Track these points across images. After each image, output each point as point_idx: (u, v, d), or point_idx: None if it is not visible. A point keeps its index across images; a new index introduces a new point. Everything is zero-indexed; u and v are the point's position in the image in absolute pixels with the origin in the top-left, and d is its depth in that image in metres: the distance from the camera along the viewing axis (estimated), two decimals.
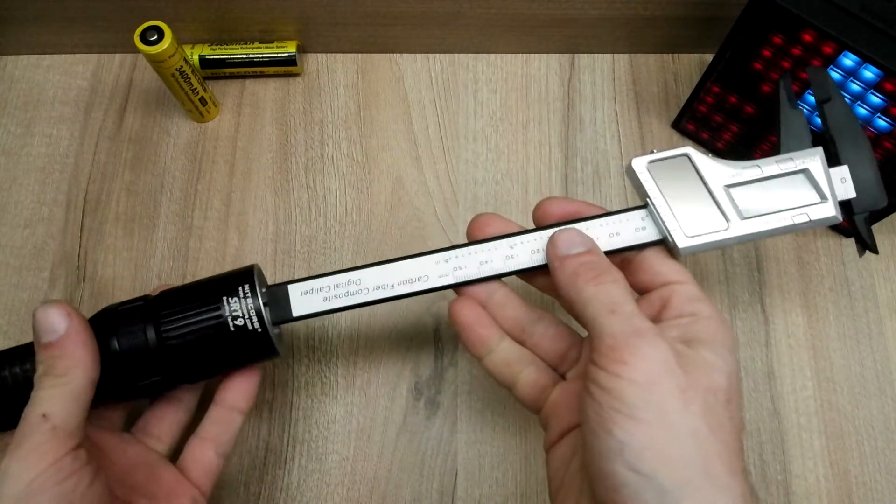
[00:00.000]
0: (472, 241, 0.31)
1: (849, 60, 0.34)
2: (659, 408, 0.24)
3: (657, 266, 0.30)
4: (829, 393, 0.41)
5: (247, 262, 0.43)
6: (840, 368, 0.41)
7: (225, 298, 0.30)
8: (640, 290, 0.30)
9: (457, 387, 0.41)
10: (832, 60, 0.35)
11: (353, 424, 0.40)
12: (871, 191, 0.30)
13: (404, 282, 0.31)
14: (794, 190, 0.30)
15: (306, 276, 0.32)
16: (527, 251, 0.31)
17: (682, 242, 0.29)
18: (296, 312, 0.31)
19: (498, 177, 0.46)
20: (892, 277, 0.43)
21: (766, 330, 0.42)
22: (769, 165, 0.30)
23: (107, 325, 0.30)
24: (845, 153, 0.31)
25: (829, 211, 0.29)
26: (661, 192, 0.30)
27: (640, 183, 0.30)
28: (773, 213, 0.29)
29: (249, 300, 0.30)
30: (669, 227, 0.29)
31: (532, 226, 0.32)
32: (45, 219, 0.45)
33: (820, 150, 0.30)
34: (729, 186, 0.30)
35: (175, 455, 0.34)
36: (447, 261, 0.31)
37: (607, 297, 0.27)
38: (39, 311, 0.28)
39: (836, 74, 0.35)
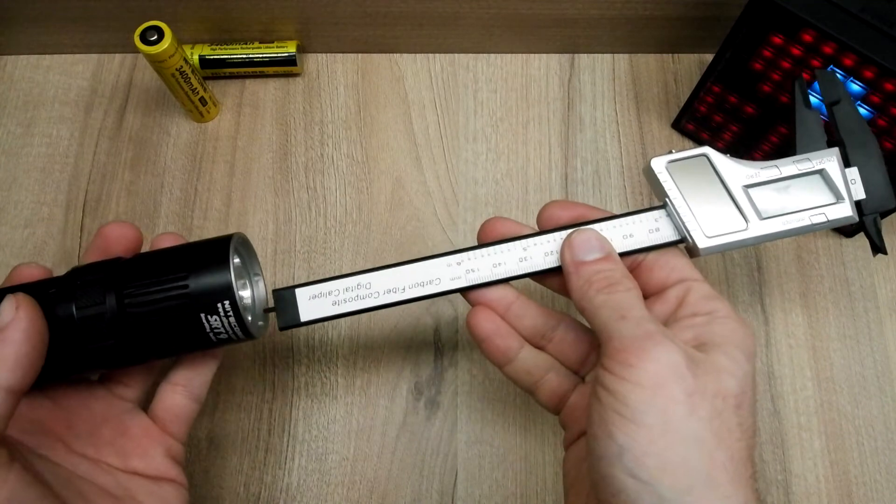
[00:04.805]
0: (485, 244, 0.31)
1: (849, 61, 0.34)
2: (663, 413, 0.24)
3: (672, 262, 0.29)
4: (829, 393, 0.41)
5: None
6: (840, 368, 0.41)
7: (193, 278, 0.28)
8: (656, 289, 0.29)
9: (457, 387, 0.41)
10: (832, 60, 0.35)
11: (353, 424, 0.40)
12: (880, 192, 0.30)
13: (416, 285, 0.30)
14: (811, 190, 0.30)
15: (313, 279, 0.31)
16: (540, 253, 0.30)
17: (702, 243, 0.29)
18: (304, 317, 0.30)
19: (498, 177, 0.46)
20: (892, 277, 0.43)
21: (766, 330, 0.42)
22: (787, 166, 0.30)
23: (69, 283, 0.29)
24: (854, 155, 0.31)
25: (846, 211, 0.29)
26: (680, 192, 0.30)
27: (660, 183, 0.30)
28: (791, 213, 0.29)
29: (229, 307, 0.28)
30: (689, 228, 0.29)
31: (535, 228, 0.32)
32: (45, 219, 0.45)
33: (836, 150, 0.30)
34: (747, 186, 0.30)
35: (148, 401, 0.33)
36: (459, 263, 0.30)
37: (618, 304, 0.27)
38: (5, 298, 0.26)
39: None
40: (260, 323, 0.31)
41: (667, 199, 0.30)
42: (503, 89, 0.49)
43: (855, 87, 0.35)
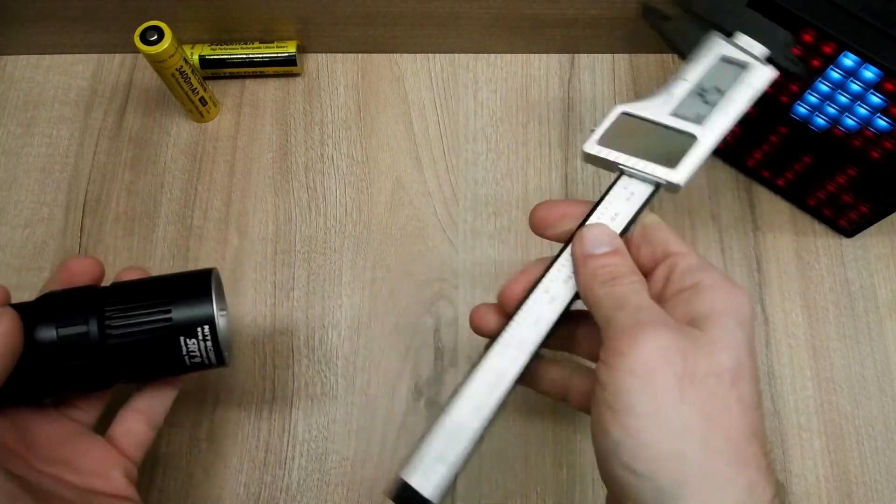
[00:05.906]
0: (511, 315, 0.29)
1: (849, 60, 0.34)
2: (653, 400, 0.23)
3: (656, 237, 0.29)
4: (829, 393, 0.41)
5: (246, 262, 0.44)
6: (840, 368, 0.41)
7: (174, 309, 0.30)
8: (649, 270, 0.29)
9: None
10: (832, 60, 0.35)
11: (353, 424, 0.40)
12: (773, 35, 0.31)
13: (491, 386, 0.28)
14: (725, 76, 0.31)
15: (410, 454, 0.27)
16: (560, 280, 0.29)
17: (676, 178, 0.29)
18: (434, 499, 0.26)
19: (498, 177, 0.46)
20: (892, 277, 0.43)
21: (766, 330, 0.42)
22: (691, 72, 0.31)
23: (50, 306, 0.30)
24: (728, 23, 0.32)
25: (766, 72, 0.30)
26: (627, 154, 0.30)
27: (604, 159, 0.30)
28: (724, 103, 0.30)
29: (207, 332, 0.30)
30: (658, 174, 0.29)
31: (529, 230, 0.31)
32: (45, 219, 0.45)
33: (714, 31, 0.31)
34: (674, 112, 0.30)
35: (104, 426, 0.33)
36: (508, 346, 0.28)
37: (618, 296, 0.26)
38: None
39: (835, 74, 0.35)
40: (226, 353, 0.32)
41: (621, 167, 0.30)
42: (503, 89, 0.49)
43: (854, 87, 0.35)
